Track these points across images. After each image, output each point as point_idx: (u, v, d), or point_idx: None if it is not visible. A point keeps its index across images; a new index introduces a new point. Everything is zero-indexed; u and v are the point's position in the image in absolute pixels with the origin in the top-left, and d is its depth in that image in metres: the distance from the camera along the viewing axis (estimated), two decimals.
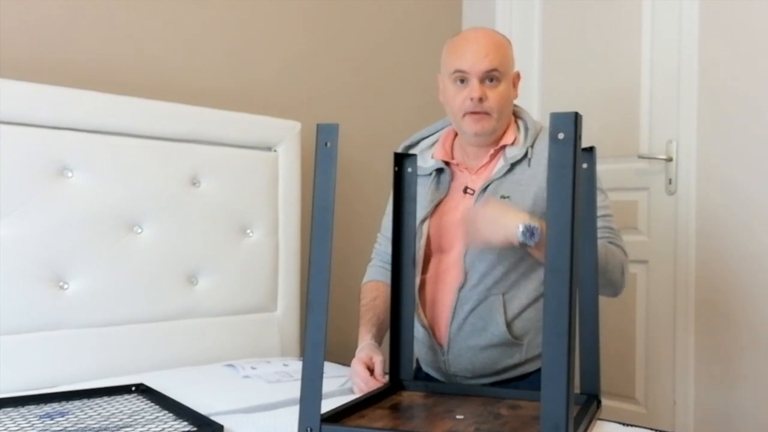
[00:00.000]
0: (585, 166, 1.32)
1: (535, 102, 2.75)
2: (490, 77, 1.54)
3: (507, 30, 2.80)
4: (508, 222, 1.35)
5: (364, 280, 1.76)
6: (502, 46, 1.59)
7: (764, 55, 2.11)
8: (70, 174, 1.73)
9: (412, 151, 1.70)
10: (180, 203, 1.89)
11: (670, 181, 2.32)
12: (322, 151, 1.12)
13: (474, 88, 1.53)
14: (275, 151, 2.13)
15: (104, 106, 1.78)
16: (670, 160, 2.31)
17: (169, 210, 1.87)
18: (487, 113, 1.54)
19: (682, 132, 2.29)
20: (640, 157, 2.38)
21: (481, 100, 1.53)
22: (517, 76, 1.62)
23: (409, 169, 1.50)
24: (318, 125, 1.12)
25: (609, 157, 2.37)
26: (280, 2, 2.34)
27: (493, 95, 1.54)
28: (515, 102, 1.67)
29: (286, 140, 2.13)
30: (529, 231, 1.32)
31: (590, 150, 1.33)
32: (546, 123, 1.01)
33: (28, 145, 1.66)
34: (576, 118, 0.98)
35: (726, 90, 2.19)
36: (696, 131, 2.26)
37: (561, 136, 0.97)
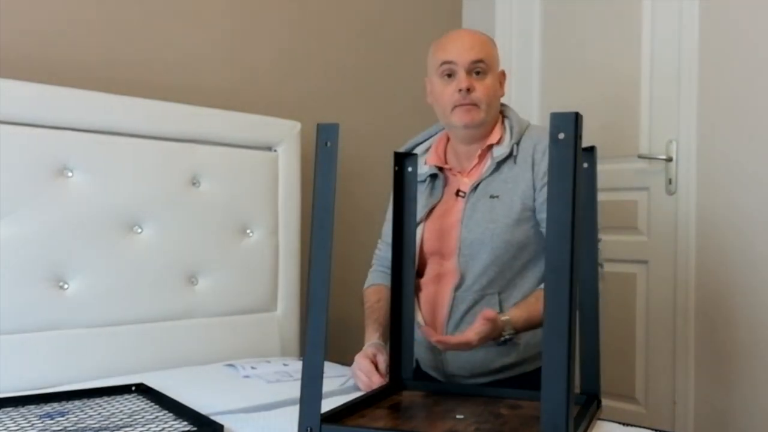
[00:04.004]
0: (585, 166, 1.32)
1: (535, 102, 2.74)
2: (477, 69, 1.58)
3: (507, 30, 2.81)
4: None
5: (366, 284, 1.78)
6: (487, 42, 1.64)
7: (764, 54, 2.11)
8: (70, 174, 1.73)
9: None
10: (180, 203, 1.89)
11: (670, 181, 2.32)
12: (322, 151, 1.12)
13: (462, 79, 1.57)
14: (275, 151, 2.12)
15: (104, 106, 1.78)
16: (670, 160, 2.31)
17: (169, 210, 1.87)
18: (475, 104, 1.58)
19: (682, 132, 2.29)
20: (640, 157, 2.38)
21: (469, 90, 1.56)
22: (503, 75, 1.67)
23: (410, 169, 1.50)
24: (318, 125, 1.12)
25: (609, 157, 2.37)
26: (280, 2, 2.34)
27: (481, 87, 1.58)
28: (501, 101, 1.69)
29: (286, 140, 2.13)
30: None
31: (590, 150, 1.33)
32: (546, 123, 1.01)
33: (28, 145, 1.66)
34: (576, 118, 0.98)
35: (726, 90, 2.19)
36: (696, 131, 2.26)
37: (561, 136, 0.97)
